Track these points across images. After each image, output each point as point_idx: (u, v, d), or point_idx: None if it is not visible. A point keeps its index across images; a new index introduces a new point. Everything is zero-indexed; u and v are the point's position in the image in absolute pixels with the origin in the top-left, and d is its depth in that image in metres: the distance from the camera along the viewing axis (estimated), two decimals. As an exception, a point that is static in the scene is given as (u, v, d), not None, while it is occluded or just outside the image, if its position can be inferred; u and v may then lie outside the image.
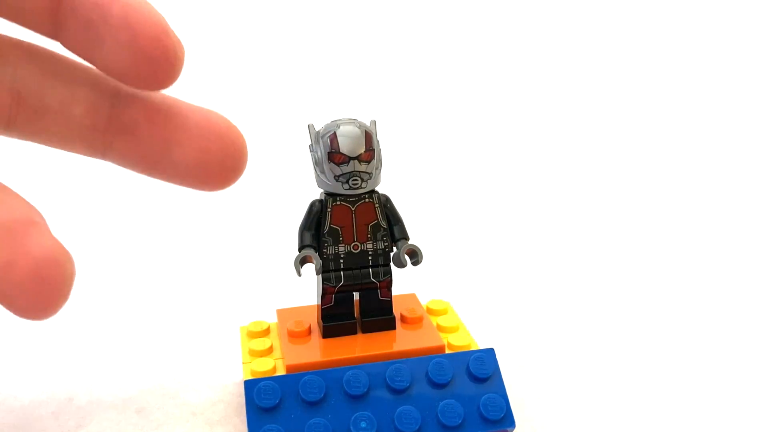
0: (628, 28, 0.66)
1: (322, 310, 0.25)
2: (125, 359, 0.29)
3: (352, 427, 0.21)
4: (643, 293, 0.35)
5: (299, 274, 0.24)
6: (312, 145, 0.24)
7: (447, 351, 0.24)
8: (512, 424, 0.22)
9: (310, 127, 0.24)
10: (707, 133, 0.57)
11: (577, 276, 0.37)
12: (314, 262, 0.24)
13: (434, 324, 0.26)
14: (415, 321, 0.26)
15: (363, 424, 0.21)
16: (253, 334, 0.26)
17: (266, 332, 0.26)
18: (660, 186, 0.50)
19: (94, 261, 0.37)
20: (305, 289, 0.27)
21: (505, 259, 0.39)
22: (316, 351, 0.24)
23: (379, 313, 0.25)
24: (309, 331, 0.25)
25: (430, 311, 0.27)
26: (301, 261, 0.24)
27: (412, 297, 0.27)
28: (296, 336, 0.25)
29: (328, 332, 0.25)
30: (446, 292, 0.31)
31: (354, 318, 0.25)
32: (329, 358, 0.23)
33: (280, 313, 0.27)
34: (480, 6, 0.69)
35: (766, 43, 0.65)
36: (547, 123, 0.60)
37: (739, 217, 0.44)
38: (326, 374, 0.22)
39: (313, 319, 0.26)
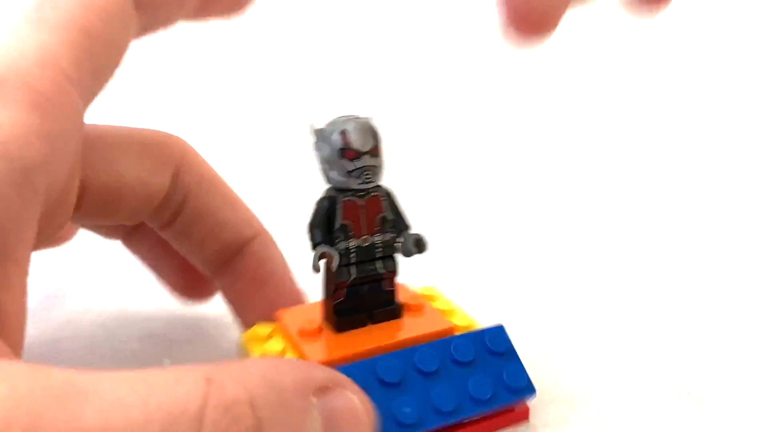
0: (629, 28, 0.66)
1: (335, 305, 0.25)
2: (124, 360, 0.29)
3: (396, 413, 0.22)
4: (635, 286, 0.35)
5: (318, 270, 0.24)
6: (317, 143, 0.24)
7: (456, 332, 0.25)
8: (533, 390, 0.24)
9: (313, 127, 0.24)
10: (707, 134, 0.58)
11: (561, 265, 0.37)
12: (333, 258, 0.24)
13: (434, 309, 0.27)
14: (417, 308, 0.26)
15: (407, 410, 0.22)
16: (261, 339, 0.26)
17: (271, 335, 0.26)
18: (658, 181, 0.50)
19: (93, 260, 0.37)
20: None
21: (487, 248, 0.39)
22: (336, 346, 0.24)
23: (386, 304, 0.26)
24: (320, 329, 0.25)
25: (424, 298, 0.28)
26: (320, 257, 0.24)
27: (402, 287, 0.27)
28: (310, 334, 0.25)
29: (342, 327, 0.25)
30: (428, 279, 0.31)
31: (363, 311, 0.25)
32: (353, 351, 0.24)
33: (280, 315, 0.27)
34: (480, 5, 0.69)
35: (766, 43, 0.65)
36: (539, 117, 0.60)
37: (739, 214, 0.44)
38: (358, 366, 0.22)
39: (316, 316, 0.26)
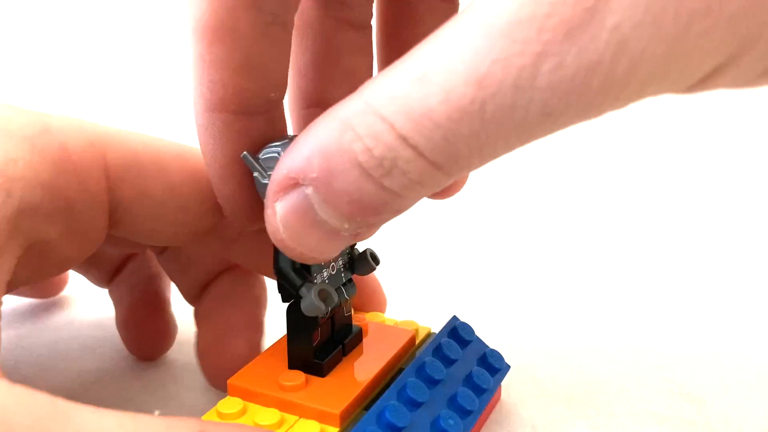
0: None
1: (315, 348, 0.22)
2: (123, 360, 0.29)
3: (445, 427, 0.21)
4: (635, 287, 0.35)
5: (325, 312, 0.21)
6: (262, 172, 0.20)
7: (416, 337, 0.25)
8: (508, 366, 0.25)
9: (246, 157, 0.20)
10: (707, 135, 0.58)
11: (561, 266, 0.37)
12: (331, 294, 0.21)
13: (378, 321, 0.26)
14: (366, 326, 0.25)
15: (451, 421, 0.21)
16: (234, 416, 0.21)
17: (244, 411, 0.21)
18: (657, 183, 0.50)
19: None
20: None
21: (486, 249, 0.39)
22: (339, 392, 0.22)
23: (348, 330, 0.24)
24: (306, 379, 0.22)
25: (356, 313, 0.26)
26: (320, 295, 0.21)
27: None
28: (301, 388, 0.22)
29: (327, 370, 0.22)
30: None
31: (336, 344, 0.23)
32: (359, 391, 0.22)
33: (234, 384, 0.22)
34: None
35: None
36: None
37: (739, 215, 0.44)
38: (392, 393, 0.21)
39: (277, 369, 0.23)
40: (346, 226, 0.17)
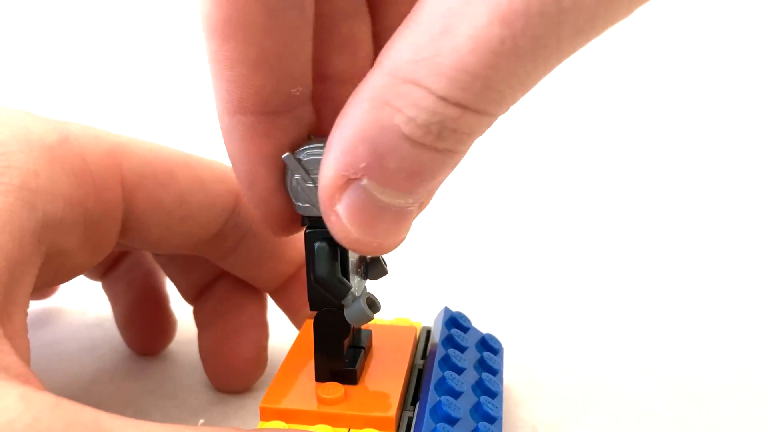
0: (629, 28, 0.66)
1: (348, 357, 0.22)
2: (123, 360, 0.29)
3: (486, 408, 0.21)
4: (635, 287, 0.35)
5: (372, 317, 0.21)
6: (305, 175, 0.20)
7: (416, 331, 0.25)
8: (502, 346, 0.26)
9: (290, 158, 0.20)
10: (707, 135, 0.58)
11: (561, 266, 0.37)
12: (377, 301, 0.21)
13: None
14: (367, 328, 0.24)
15: (491, 405, 0.21)
16: None
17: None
18: (657, 183, 0.50)
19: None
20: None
21: (485, 250, 0.39)
22: (382, 395, 0.21)
23: (364, 334, 0.24)
24: (345, 392, 0.21)
25: None
26: (369, 303, 0.21)
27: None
28: (342, 398, 0.21)
29: (358, 376, 0.22)
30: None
31: (360, 349, 0.23)
32: (399, 391, 0.21)
33: (266, 409, 0.21)
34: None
35: (765, 45, 0.66)
36: (536, 116, 0.60)
37: (739, 215, 0.44)
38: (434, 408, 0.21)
39: (306, 385, 0.22)
40: (411, 200, 0.16)
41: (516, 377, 0.27)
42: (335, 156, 0.16)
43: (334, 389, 0.21)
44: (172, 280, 0.29)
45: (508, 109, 0.15)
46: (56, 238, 0.20)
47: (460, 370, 0.22)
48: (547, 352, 0.29)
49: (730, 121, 0.59)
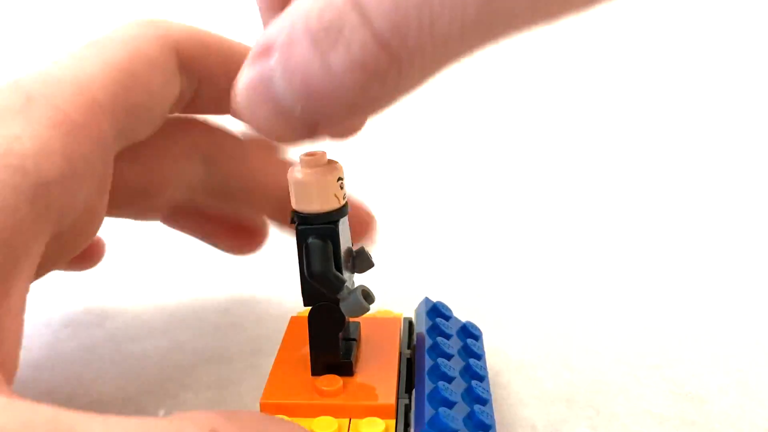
0: (629, 29, 0.66)
1: (343, 342, 0.22)
2: (123, 361, 0.29)
3: (478, 392, 0.22)
4: (635, 286, 0.35)
5: (369, 309, 0.21)
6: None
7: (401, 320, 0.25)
8: (481, 332, 0.26)
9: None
10: (707, 136, 0.58)
11: (559, 264, 0.37)
12: (371, 293, 0.21)
13: None
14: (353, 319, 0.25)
15: (482, 389, 0.22)
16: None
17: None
18: (655, 181, 0.50)
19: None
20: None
21: (485, 248, 0.39)
22: (380, 384, 0.22)
23: (353, 326, 0.24)
24: (343, 383, 0.22)
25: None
26: (364, 295, 0.21)
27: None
28: (341, 390, 0.21)
29: (353, 367, 0.22)
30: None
31: (353, 340, 0.23)
32: (395, 379, 0.22)
33: (266, 406, 0.21)
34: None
35: (764, 45, 0.66)
36: (535, 117, 0.61)
37: (739, 215, 0.44)
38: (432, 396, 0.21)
39: (303, 380, 0.22)
40: (299, 109, 0.16)
41: (516, 377, 0.27)
42: (274, 23, 0.16)
43: (333, 381, 0.21)
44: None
45: (408, 57, 0.14)
46: (65, 197, 0.19)
47: (449, 357, 0.23)
48: (547, 352, 0.29)
49: (730, 120, 0.59)
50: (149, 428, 0.15)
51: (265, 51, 0.16)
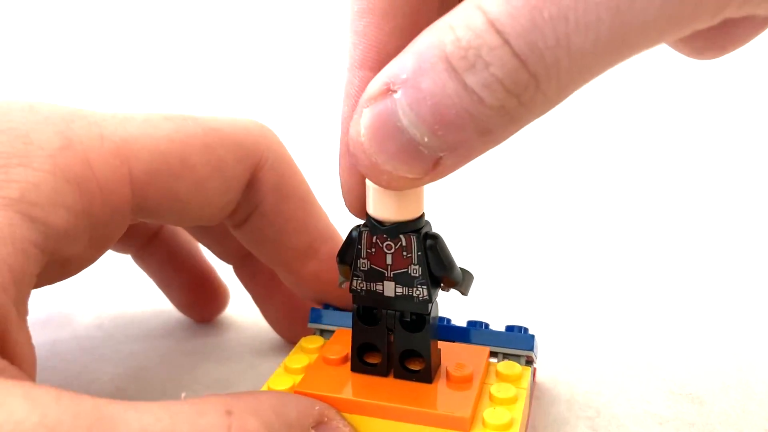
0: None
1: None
2: (123, 361, 0.29)
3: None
4: (635, 287, 0.35)
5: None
6: None
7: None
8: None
9: None
10: (707, 137, 0.58)
11: (560, 266, 0.37)
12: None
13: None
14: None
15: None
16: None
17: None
18: (657, 184, 0.50)
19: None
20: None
21: (486, 249, 0.39)
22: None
23: None
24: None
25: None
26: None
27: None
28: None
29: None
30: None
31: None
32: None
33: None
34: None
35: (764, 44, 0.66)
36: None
37: (739, 216, 0.44)
38: None
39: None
40: (426, 139, 0.16)
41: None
42: (389, 64, 0.16)
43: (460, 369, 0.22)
44: (209, 248, 0.30)
45: (546, 73, 0.14)
46: (60, 246, 0.20)
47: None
48: (548, 353, 0.29)
49: (730, 122, 0.59)
50: (173, 411, 0.16)
51: (385, 90, 0.16)
